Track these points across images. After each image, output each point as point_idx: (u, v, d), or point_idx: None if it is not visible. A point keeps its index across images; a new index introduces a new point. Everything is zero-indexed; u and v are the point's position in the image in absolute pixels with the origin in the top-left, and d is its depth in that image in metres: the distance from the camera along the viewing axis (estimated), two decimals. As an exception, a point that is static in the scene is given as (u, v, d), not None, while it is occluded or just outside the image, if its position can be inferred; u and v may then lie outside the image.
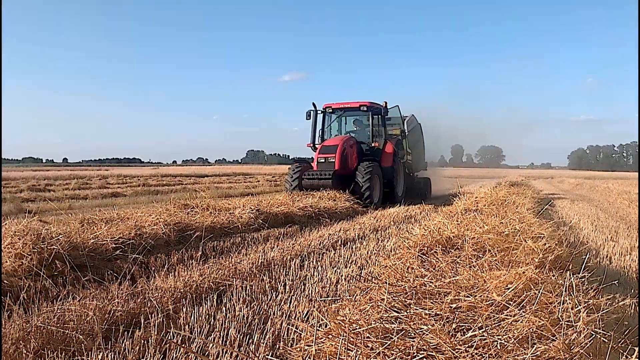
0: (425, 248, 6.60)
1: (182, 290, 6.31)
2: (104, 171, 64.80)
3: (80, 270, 7.20)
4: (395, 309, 4.14)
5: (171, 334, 4.89)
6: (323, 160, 20.07)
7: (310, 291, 6.45)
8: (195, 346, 4.62)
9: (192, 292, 6.29)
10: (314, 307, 5.64)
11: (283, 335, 4.85)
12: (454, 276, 4.94)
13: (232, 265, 7.82)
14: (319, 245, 9.90)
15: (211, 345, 4.58)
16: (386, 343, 3.60)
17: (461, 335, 3.71)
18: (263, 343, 4.67)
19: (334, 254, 9.04)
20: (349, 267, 7.97)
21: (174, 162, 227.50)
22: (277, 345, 4.66)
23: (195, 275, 7.05)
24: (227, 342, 4.72)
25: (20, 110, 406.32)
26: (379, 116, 21.97)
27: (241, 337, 4.82)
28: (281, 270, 7.71)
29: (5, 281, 6.57)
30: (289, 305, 5.79)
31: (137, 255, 8.23)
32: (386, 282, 4.91)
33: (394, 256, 6.81)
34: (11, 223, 8.31)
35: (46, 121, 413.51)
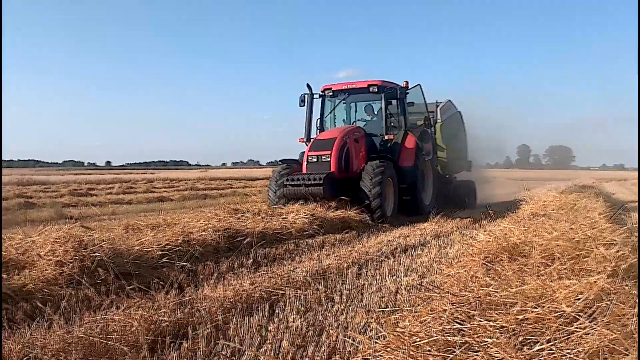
0: (490, 255, 6.58)
1: (232, 299, 6.44)
2: (150, 174, 66.05)
3: (124, 278, 7.40)
4: (458, 321, 4.17)
5: (220, 345, 4.96)
6: (315, 160, 16.51)
7: (368, 301, 6.51)
8: (246, 359, 4.68)
9: (243, 302, 6.41)
10: (372, 318, 5.67)
11: (339, 348, 4.90)
12: (520, 285, 4.90)
13: (285, 274, 7.93)
14: (378, 252, 9.95)
15: (262, 358, 4.67)
16: (448, 357, 3.62)
17: (528, 349, 3.70)
18: (318, 356, 4.74)
19: (394, 261, 9.10)
20: (409, 275, 8.03)
21: (223, 164, 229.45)
22: (333, 359, 4.72)
23: (246, 283, 7.18)
24: (280, 354, 4.78)
25: (60, 112, 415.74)
26: (397, 100, 18.69)
27: (294, 349, 4.88)
28: (337, 279, 7.80)
29: (45, 289, 6.80)
30: (346, 316, 5.85)
31: (185, 263, 8.40)
32: (448, 292, 4.92)
33: (457, 264, 6.83)
34: (52, 229, 8.54)
35: (88, 123, 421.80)
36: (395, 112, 18.75)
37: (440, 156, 21.23)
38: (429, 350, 3.74)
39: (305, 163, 16.62)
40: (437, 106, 21.66)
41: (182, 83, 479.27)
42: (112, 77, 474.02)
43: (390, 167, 16.46)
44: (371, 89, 17.99)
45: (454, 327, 4.08)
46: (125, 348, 4.76)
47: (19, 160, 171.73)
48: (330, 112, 19.51)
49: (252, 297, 6.63)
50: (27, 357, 4.57)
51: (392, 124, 18.66)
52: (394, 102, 18.69)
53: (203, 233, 10.08)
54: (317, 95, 19.13)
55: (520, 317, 4.16)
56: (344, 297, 6.72)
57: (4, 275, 7.14)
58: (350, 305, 6.30)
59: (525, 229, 7.84)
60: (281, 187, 16.09)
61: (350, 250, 9.99)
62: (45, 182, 39.42)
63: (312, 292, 6.93)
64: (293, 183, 15.56)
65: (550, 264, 5.94)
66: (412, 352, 3.72)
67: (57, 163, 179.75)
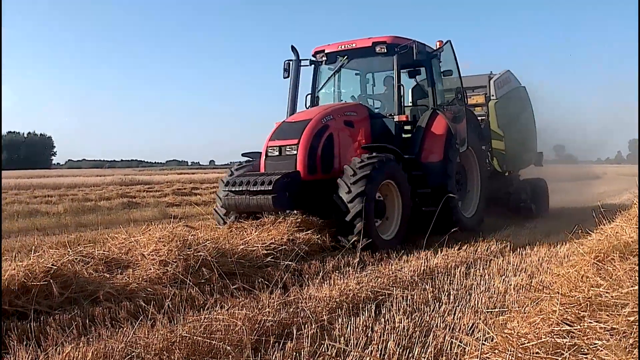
0: (601, 254, 6.51)
1: (337, 299, 6.66)
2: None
3: (228, 277, 7.75)
4: (568, 322, 4.21)
5: (325, 346, 5.11)
6: (276, 153, 12.13)
7: (475, 302, 6.62)
8: (351, 359, 4.83)
9: (349, 302, 6.62)
10: (480, 319, 5.75)
11: (445, 350, 5.00)
12: (632, 286, 4.87)
13: (392, 273, 8.11)
14: (486, 251, 10.00)
15: (368, 358, 4.81)
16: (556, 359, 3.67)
17: None
18: (424, 357, 4.86)
19: (502, 260, 9.18)
20: (518, 275, 8.07)
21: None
22: (439, 361, 4.84)
23: (352, 283, 7.41)
24: (386, 355, 4.92)
25: (163, 112, 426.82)
26: (423, 66, 14.36)
27: (400, 350, 5.01)
28: (445, 279, 7.93)
29: (148, 289, 7.19)
30: (453, 317, 5.96)
31: (290, 262, 8.66)
32: (558, 292, 4.93)
33: (567, 264, 6.80)
34: (155, 229, 9.00)
35: (191, 122, 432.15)
36: (425, 82, 14.48)
37: (496, 147, 17.13)
38: (537, 353, 3.80)
39: (264, 158, 12.28)
40: (490, 78, 17.69)
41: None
42: (214, 75, 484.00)
43: (390, 164, 11.75)
44: (378, 48, 13.44)
45: (563, 328, 4.13)
46: (228, 347, 5.00)
47: (122, 160, 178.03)
48: (324, 85, 14.91)
49: (358, 297, 6.84)
50: (129, 356, 4.85)
51: (418, 101, 14.61)
52: (421, 69, 14.46)
53: (308, 232, 10.35)
54: (308, 62, 14.71)
55: (632, 318, 4.15)
56: (452, 297, 6.85)
57: (106, 275, 7.60)
58: (457, 306, 6.41)
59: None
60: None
61: (458, 249, 10.03)
62: (148, 181, 40.74)
63: (419, 292, 7.09)
64: (235, 189, 11.35)
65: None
66: (519, 354, 3.80)
67: (160, 163, 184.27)
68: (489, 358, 3.97)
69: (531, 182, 18.43)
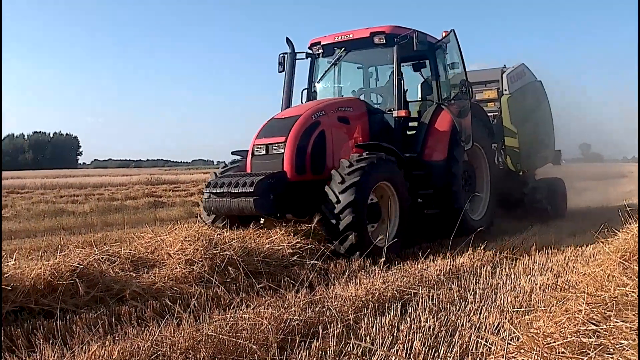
0: (628, 254, 6.48)
1: (363, 298, 6.70)
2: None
3: (254, 276, 7.83)
4: (594, 322, 4.22)
5: (351, 345, 5.14)
6: (262, 152, 11.37)
7: (501, 301, 6.63)
8: (377, 359, 4.86)
9: (375, 301, 6.67)
10: (506, 318, 5.77)
11: (471, 349, 5.03)
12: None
13: (418, 272, 8.14)
14: (512, 250, 9.99)
15: (394, 358, 4.86)
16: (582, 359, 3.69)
17: (666, 352, 3.70)
18: (449, 357, 4.90)
19: (528, 260, 9.18)
20: (544, 274, 8.06)
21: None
22: (465, 360, 4.88)
23: (378, 282, 7.45)
24: (411, 355, 4.94)
25: (189, 112, 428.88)
26: (426, 59, 13.62)
27: (426, 350, 5.04)
28: (471, 278, 7.97)
29: (174, 288, 7.28)
30: (479, 316, 5.99)
31: (316, 261, 8.71)
32: (584, 292, 4.94)
33: (593, 263, 6.79)
34: (181, 228, 9.08)
35: (217, 121, 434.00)
36: (430, 75, 13.75)
37: (509, 144, 16.43)
38: (563, 352, 3.82)
39: (250, 158, 11.56)
40: (502, 72, 16.81)
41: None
42: (240, 73, 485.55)
43: (384, 164, 10.83)
44: (376, 39, 12.62)
45: (589, 328, 4.15)
46: (254, 346, 5.06)
47: (148, 160, 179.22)
48: (321, 79, 14.05)
49: (384, 296, 6.88)
50: (155, 355, 4.94)
51: (428, 96, 13.81)
52: (417, 59, 13.69)
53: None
54: (304, 55, 13.91)
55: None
56: (477, 296, 6.87)
57: (132, 274, 7.69)
58: (483, 305, 6.44)
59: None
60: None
61: (484, 248, 10.03)
62: (174, 181, 41.11)
63: (445, 292, 7.13)
64: (216, 191, 10.66)
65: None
66: (545, 354, 3.82)
67: (186, 162, 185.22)
68: (514, 357, 4.01)
69: (547, 182, 17.56)
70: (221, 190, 10.42)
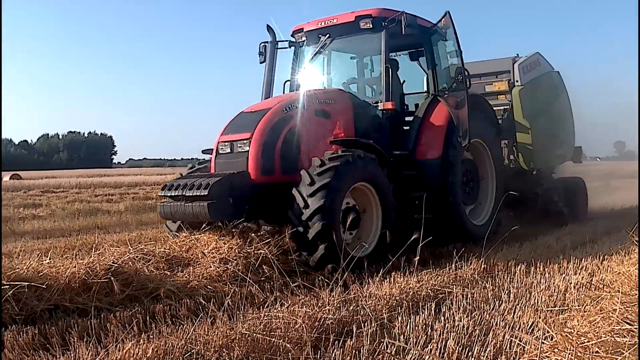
0: (663, 251, 6.47)
1: (397, 297, 6.75)
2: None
3: (289, 275, 7.85)
4: (628, 321, 4.21)
5: (385, 344, 5.17)
6: (227, 150, 10.17)
7: (536, 300, 6.62)
8: (410, 358, 4.88)
9: (409, 300, 6.72)
10: (540, 317, 5.77)
11: (505, 349, 5.04)
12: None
13: (452, 272, 8.16)
14: (546, 249, 9.95)
15: (427, 357, 4.88)
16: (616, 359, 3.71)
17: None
18: (483, 356, 4.91)
19: (563, 258, 9.10)
20: (579, 273, 8.04)
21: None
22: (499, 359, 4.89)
23: (412, 281, 7.49)
24: (445, 354, 4.97)
25: (222, 111, 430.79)
26: (423, 46, 12.46)
27: (460, 349, 5.06)
28: (505, 277, 7.96)
29: (208, 286, 7.38)
30: (513, 316, 6.00)
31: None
32: (619, 291, 4.93)
33: (628, 262, 6.77)
34: (216, 227, 9.12)
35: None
36: (426, 64, 12.57)
37: (521, 141, 15.04)
38: (597, 352, 3.83)
39: (214, 156, 10.43)
40: (514, 62, 15.44)
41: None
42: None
43: (361, 163, 9.59)
44: (362, 23, 11.27)
45: (624, 327, 4.15)
46: (288, 345, 5.12)
47: (182, 159, 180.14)
48: (305, 68, 12.83)
49: (418, 295, 6.93)
50: (189, 353, 5.01)
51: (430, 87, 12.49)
52: (426, 47, 12.42)
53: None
54: (287, 44, 12.75)
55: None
56: (512, 295, 6.86)
57: (167, 272, 7.80)
58: (517, 304, 6.43)
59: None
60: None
61: (519, 247, 10.01)
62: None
63: (480, 291, 7.15)
64: (171, 194, 9.45)
65: None
66: (579, 354, 3.83)
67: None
68: (548, 357, 4.02)
69: (565, 182, 16.27)
70: (176, 193, 9.28)
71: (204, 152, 11.09)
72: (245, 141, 9.74)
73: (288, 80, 12.85)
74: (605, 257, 9.11)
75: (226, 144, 10.09)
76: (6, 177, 58.10)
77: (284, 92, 12.57)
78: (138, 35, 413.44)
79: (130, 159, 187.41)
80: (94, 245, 8.77)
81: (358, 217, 9.73)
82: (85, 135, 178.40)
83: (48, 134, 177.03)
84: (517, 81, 15.10)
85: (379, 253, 9.47)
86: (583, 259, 9.07)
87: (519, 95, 14.87)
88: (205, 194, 8.70)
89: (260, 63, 12.29)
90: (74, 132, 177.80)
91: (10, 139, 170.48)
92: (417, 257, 7.72)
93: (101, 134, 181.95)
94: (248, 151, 9.64)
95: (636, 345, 3.81)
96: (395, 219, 9.96)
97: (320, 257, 8.67)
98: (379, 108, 11.24)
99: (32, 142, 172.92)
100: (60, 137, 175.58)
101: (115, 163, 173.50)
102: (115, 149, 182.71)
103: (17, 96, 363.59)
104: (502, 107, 15.23)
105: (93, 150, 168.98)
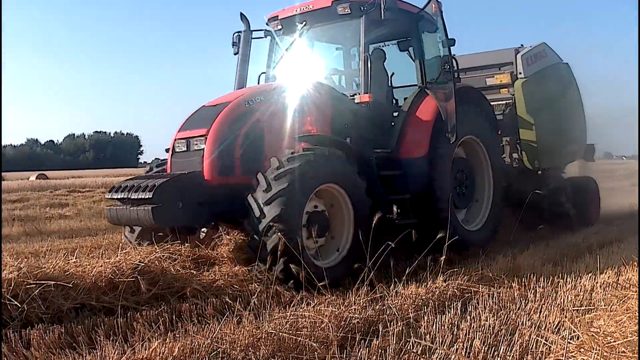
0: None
1: (424, 297, 6.81)
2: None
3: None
4: (655, 321, 4.19)
5: (411, 343, 5.20)
6: (184, 148, 9.28)
7: (562, 299, 6.64)
8: (437, 357, 4.92)
9: (435, 300, 6.77)
10: (566, 317, 5.76)
11: (531, 348, 5.05)
12: None
13: (479, 271, 8.16)
14: (573, 249, 9.93)
15: (454, 356, 4.91)
16: (643, 359, 3.70)
17: None
18: (509, 356, 4.93)
19: (589, 258, 9.07)
20: (605, 272, 8.02)
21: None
22: (524, 359, 4.89)
23: (438, 281, 7.50)
24: (471, 353, 5.00)
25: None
26: (410, 34, 11.56)
27: (486, 348, 5.09)
28: (531, 276, 7.92)
29: (235, 285, 7.44)
30: (539, 315, 6.02)
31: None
32: None
33: None
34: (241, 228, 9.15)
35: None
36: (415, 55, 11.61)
37: (524, 138, 13.96)
38: (624, 352, 3.83)
39: (170, 155, 9.56)
40: (517, 53, 14.24)
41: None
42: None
43: (327, 162, 8.62)
44: (340, 8, 10.27)
45: (650, 327, 4.12)
46: (314, 344, 5.17)
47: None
48: (279, 60, 11.86)
49: (444, 295, 6.99)
50: (215, 352, 5.07)
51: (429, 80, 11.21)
52: (418, 35, 11.36)
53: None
54: (263, 33, 11.79)
55: None
56: (538, 295, 6.88)
57: (193, 271, 7.86)
58: (543, 304, 6.45)
59: None
60: None
61: (545, 246, 9.99)
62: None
63: (506, 290, 7.19)
64: (117, 196, 8.82)
65: None
66: (605, 353, 3.84)
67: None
68: (574, 357, 4.04)
69: (574, 182, 15.15)
70: (122, 196, 8.56)
71: (166, 150, 9.81)
72: (201, 138, 8.93)
73: (264, 73, 11.89)
74: (632, 256, 9.07)
75: (182, 141, 9.25)
76: (32, 176, 58.50)
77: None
78: (164, 33, 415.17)
79: (156, 158, 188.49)
80: (120, 244, 8.87)
81: (327, 223, 8.73)
82: (112, 135, 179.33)
83: (74, 134, 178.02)
84: (520, 73, 14.00)
85: (349, 261, 8.30)
86: (610, 258, 9.04)
87: (522, 88, 13.85)
88: (150, 196, 7.95)
89: (234, 54, 11.48)
90: (100, 132, 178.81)
91: (37, 139, 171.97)
92: (444, 257, 7.68)
93: (127, 133, 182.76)
94: (202, 150, 8.83)
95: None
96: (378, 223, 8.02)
97: (281, 271, 7.68)
98: (356, 101, 10.21)
99: (58, 142, 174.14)
100: (87, 137, 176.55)
101: (141, 163, 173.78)
102: (141, 149, 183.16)
103: (43, 97, 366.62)
104: (504, 102, 14.26)
105: (119, 150, 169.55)
